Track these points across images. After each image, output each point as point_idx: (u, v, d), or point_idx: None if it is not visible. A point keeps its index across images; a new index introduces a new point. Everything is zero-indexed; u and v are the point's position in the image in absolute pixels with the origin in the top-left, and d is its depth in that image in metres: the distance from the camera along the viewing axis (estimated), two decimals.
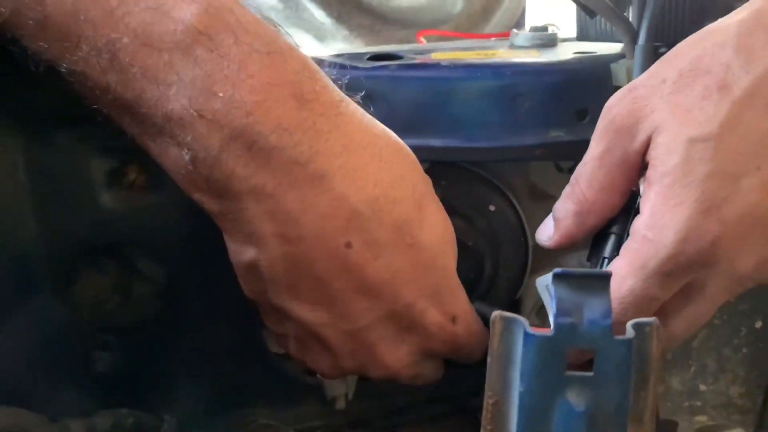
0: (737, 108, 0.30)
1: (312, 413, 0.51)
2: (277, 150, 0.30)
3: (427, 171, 0.44)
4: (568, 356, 0.23)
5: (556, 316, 0.23)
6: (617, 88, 0.40)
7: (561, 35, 0.49)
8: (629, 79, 0.39)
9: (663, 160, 0.31)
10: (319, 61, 0.41)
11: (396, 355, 0.36)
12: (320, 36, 0.72)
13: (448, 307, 0.36)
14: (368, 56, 0.44)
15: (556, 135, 0.41)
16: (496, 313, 0.25)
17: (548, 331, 0.24)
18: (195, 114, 0.30)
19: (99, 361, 0.48)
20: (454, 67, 0.40)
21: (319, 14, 0.69)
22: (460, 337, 0.37)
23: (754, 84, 0.30)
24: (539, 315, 0.50)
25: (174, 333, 0.49)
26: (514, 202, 0.46)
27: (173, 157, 0.33)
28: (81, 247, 0.46)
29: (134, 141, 0.35)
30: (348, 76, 0.40)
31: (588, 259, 0.34)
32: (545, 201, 0.49)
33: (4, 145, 0.42)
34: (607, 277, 0.23)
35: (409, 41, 0.68)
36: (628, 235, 0.32)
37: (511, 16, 0.83)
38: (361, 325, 0.34)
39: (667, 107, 0.31)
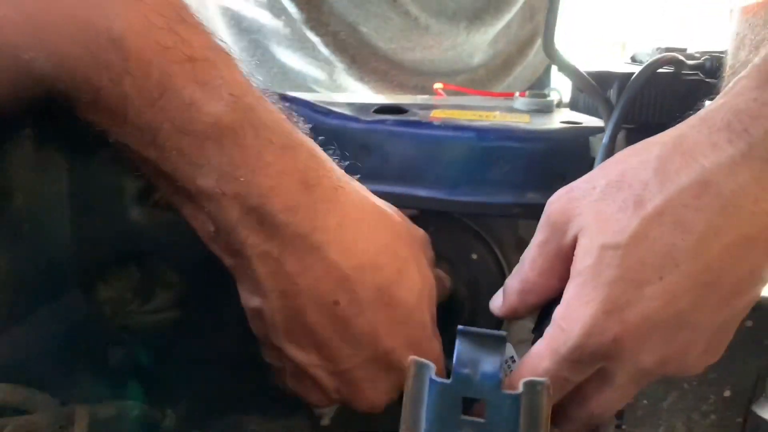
0: (647, 223, 0.33)
1: (300, 426, 0.55)
2: (283, 225, 0.37)
3: (416, 217, 0.48)
4: None
5: (454, 367, 0.27)
6: (593, 159, 0.43)
7: (561, 100, 0.52)
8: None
9: (581, 259, 0.34)
10: (327, 111, 0.46)
11: (376, 392, 0.41)
12: (332, 73, 0.76)
13: (423, 353, 0.40)
14: (375, 108, 0.49)
15: (533, 197, 0.44)
16: (412, 358, 0.28)
17: (448, 380, 0.27)
18: (219, 192, 0.36)
19: (114, 357, 0.54)
20: (445, 126, 0.44)
21: (334, 58, 0.73)
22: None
23: (664, 203, 0.33)
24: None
25: (183, 337, 0.54)
26: (498, 253, 0.49)
27: (200, 220, 0.40)
28: (109, 253, 0.52)
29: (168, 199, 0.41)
30: (350, 127, 0.45)
31: (532, 331, 0.38)
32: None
33: (53, 160, 0.48)
34: (502, 338, 0.27)
35: (424, 87, 0.72)
36: None
37: (533, 71, 0.85)
38: (345, 367, 0.40)
39: (591, 213, 0.35)
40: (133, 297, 0.55)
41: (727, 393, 0.49)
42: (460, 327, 0.27)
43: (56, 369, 0.50)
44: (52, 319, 0.49)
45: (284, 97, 0.46)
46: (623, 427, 0.50)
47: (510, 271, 0.50)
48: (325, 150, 0.40)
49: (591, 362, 0.34)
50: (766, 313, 0.46)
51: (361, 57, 0.73)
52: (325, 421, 0.54)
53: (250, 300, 0.41)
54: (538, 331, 0.36)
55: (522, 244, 0.52)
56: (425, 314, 0.41)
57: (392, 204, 0.47)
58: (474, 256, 0.48)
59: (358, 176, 0.41)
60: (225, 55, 0.36)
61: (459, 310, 0.48)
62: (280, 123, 0.37)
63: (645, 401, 0.50)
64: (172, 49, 0.34)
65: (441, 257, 0.49)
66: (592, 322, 0.33)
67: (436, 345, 0.41)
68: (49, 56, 0.32)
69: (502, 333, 0.27)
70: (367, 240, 0.39)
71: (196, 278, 0.53)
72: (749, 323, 0.47)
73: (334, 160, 0.40)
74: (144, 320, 0.55)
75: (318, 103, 0.46)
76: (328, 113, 0.46)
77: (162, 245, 0.52)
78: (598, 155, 0.39)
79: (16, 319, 0.45)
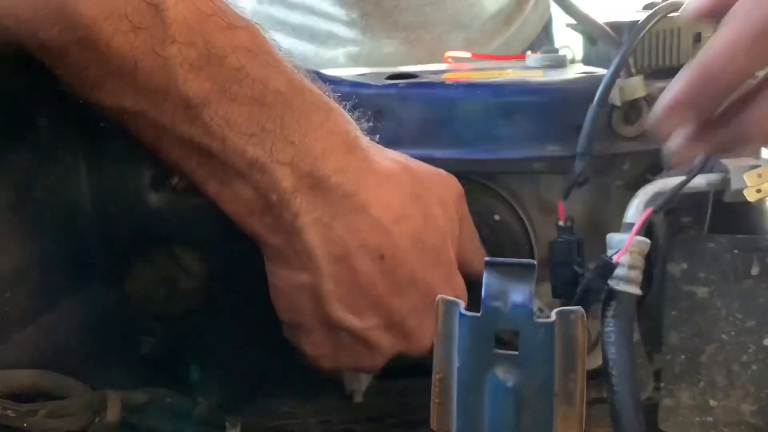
0: None
1: (332, 406, 0.55)
2: (334, 188, 0.38)
3: None
4: None
5: (483, 300, 0.26)
6: (612, 106, 0.42)
7: (574, 57, 0.51)
8: (622, 97, 0.42)
9: None
10: (338, 79, 0.46)
11: (426, 334, 0.42)
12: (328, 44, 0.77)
13: (454, 288, 0.43)
14: (387, 76, 0.48)
15: (554, 149, 0.43)
16: (439, 297, 0.28)
17: (478, 313, 0.27)
18: (272, 159, 0.36)
19: (144, 345, 0.54)
20: (456, 85, 0.44)
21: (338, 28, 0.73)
22: None
23: None
24: None
25: (211, 324, 0.54)
26: (521, 213, 0.48)
27: (244, 199, 0.39)
28: (133, 241, 0.52)
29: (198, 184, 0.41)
30: (362, 93, 0.44)
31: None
32: (554, 214, 0.51)
33: (69, 150, 0.49)
34: (532, 266, 0.26)
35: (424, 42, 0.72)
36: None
37: (532, 29, 0.83)
38: (398, 318, 0.41)
39: None
40: (159, 285, 0.55)
41: (767, 341, 0.48)
42: (487, 258, 0.26)
43: (87, 357, 0.50)
44: (81, 309, 0.50)
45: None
46: (662, 385, 0.49)
47: (534, 231, 0.50)
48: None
49: None
50: None
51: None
52: (358, 398, 0.54)
53: (296, 277, 0.40)
54: None
55: (544, 203, 0.51)
56: (450, 252, 0.42)
57: None
58: (497, 218, 0.47)
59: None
60: (255, 25, 0.36)
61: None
62: (320, 89, 0.39)
63: (682, 356, 0.49)
64: (213, 17, 0.34)
65: None
66: None
67: (461, 280, 0.43)
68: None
69: (532, 261, 0.26)
70: (399, 193, 0.40)
71: (219, 262, 0.53)
72: None
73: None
74: (171, 308, 0.56)
75: (327, 72, 0.46)
76: (340, 81, 0.45)
77: (183, 231, 0.52)
78: (597, 93, 0.39)
79: (45, 308, 0.46)
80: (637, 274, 0.42)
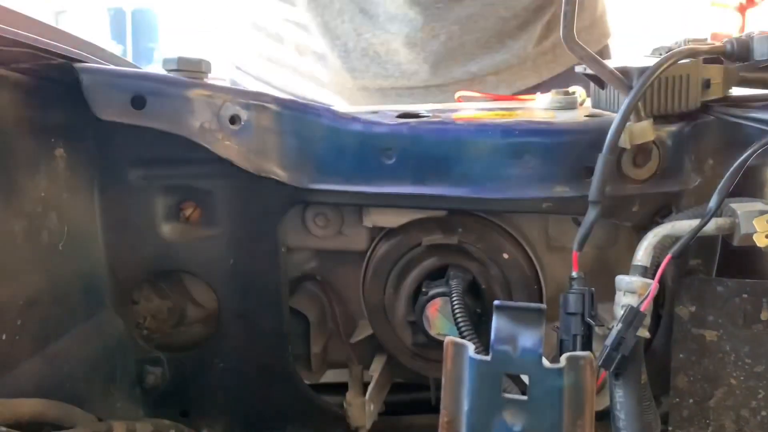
0: None
1: None
2: None
3: (444, 218, 0.48)
4: None
5: (493, 344, 0.27)
6: (622, 149, 0.43)
7: (585, 99, 0.52)
8: (631, 141, 0.42)
9: None
10: (351, 117, 0.47)
11: None
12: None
13: None
14: (398, 114, 0.49)
15: (562, 190, 0.44)
16: (449, 339, 0.28)
17: (488, 357, 0.27)
18: None
19: (150, 375, 0.54)
20: (466, 125, 0.44)
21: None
22: None
23: None
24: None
25: (217, 356, 0.54)
26: (529, 252, 0.49)
27: None
28: (142, 271, 0.53)
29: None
30: (374, 132, 0.45)
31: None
32: (561, 252, 0.51)
33: (84, 180, 0.49)
34: (542, 310, 0.26)
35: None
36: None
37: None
38: None
39: None
40: (168, 315, 0.56)
41: None
42: (496, 302, 0.27)
43: (93, 387, 0.50)
44: (88, 338, 0.50)
45: (305, 105, 0.46)
46: (669, 429, 0.49)
47: (543, 269, 0.50)
48: None
49: None
50: None
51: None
52: None
53: None
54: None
55: (553, 242, 0.52)
56: None
57: (417, 204, 0.46)
58: (505, 256, 0.48)
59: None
60: None
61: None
62: None
63: (690, 400, 0.48)
64: None
65: (472, 258, 0.49)
66: None
67: None
68: None
69: (541, 305, 0.26)
70: None
71: (227, 293, 0.53)
72: None
73: None
74: (178, 339, 0.56)
75: (341, 111, 0.47)
76: (353, 119, 0.46)
77: (194, 262, 0.53)
78: (607, 139, 0.39)
79: (54, 337, 0.46)
80: (645, 318, 0.42)
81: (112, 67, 0.43)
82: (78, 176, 0.48)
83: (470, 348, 0.27)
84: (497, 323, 0.26)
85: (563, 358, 0.26)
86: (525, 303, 0.26)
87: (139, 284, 0.54)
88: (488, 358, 0.26)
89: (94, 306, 0.51)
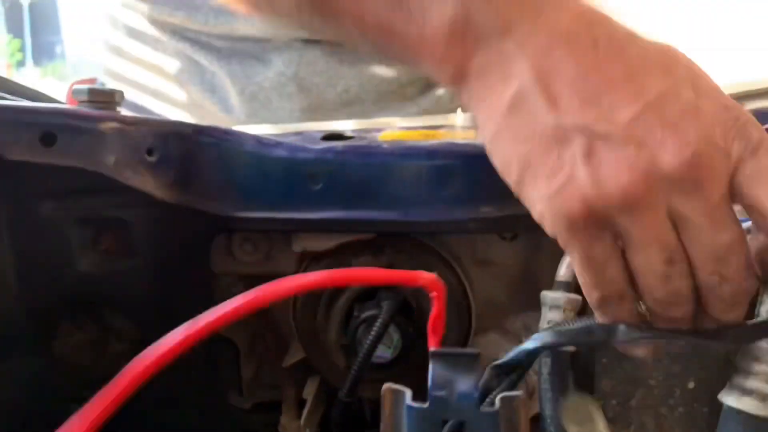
0: None
1: None
2: None
3: (373, 240, 0.48)
4: None
5: (430, 390, 0.27)
6: None
7: None
8: None
9: None
10: (275, 143, 0.46)
11: (685, 138, 0.32)
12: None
13: (716, 99, 0.34)
14: (323, 136, 0.49)
15: (487, 210, 0.44)
16: (386, 386, 0.28)
17: (425, 404, 0.27)
18: None
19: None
20: (394, 149, 0.45)
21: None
22: (747, 124, 0.33)
23: None
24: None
25: (144, 388, 0.52)
26: (457, 269, 0.49)
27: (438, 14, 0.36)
28: (60, 305, 0.50)
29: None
30: (299, 157, 0.45)
31: None
32: (489, 267, 0.53)
33: None
34: (476, 355, 0.27)
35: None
36: None
37: None
38: (638, 107, 0.33)
39: None
40: (89, 350, 0.53)
41: (691, 385, 0.50)
42: (432, 349, 0.27)
43: (13, 429, 0.48)
44: (5, 380, 0.47)
45: (226, 132, 0.45)
46: None
47: (472, 287, 0.51)
48: None
49: None
50: None
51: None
52: None
53: (504, 91, 0.35)
54: None
55: (480, 259, 0.53)
56: (694, 65, 0.35)
57: (346, 229, 0.46)
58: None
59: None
60: None
61: (422, 327, 0.48)
62: None
63: (614, 401, 0.51)
64: None
65: None
66: None
67: (727, 98, 0.34)
68: None
69: (475, 351, 0.27)
70: None
71: (151, 324, 0.51)
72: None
73: None
74: (102, 373, 0.54)
75: (264, 136, 0.46)
76: (277, 144, 0.45)
77: (114, 294, 0.51)
78: None
79: None
80: None
81: (17, 103, 0.40)
82: None
83: (407, 395, 0.27)
84: (433, 370, 0.27)
85: (497, 399, 0.27)
86: (460, 349, 0.26)
87: (58, 319, 0.51)
88: (426, 405, 0.27)
89: (11, 345, 0.48)
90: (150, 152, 0.43)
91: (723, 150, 0.33)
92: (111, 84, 0.80)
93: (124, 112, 0.45)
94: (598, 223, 0.33)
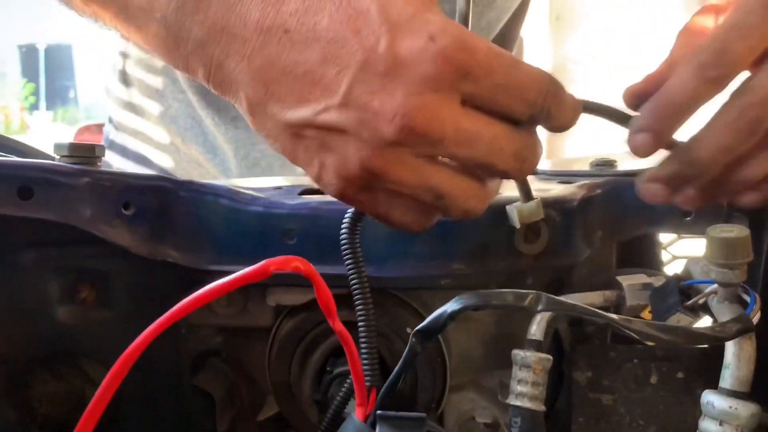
0: None
1: None
2: None
3: (348, 294, 0.48)
4: None
5: None
6: (512, 227, 0.45)
7: None
8: (521, 220, 0.44)
9: None
10: (250, 198, 0.47)
11: (392, 104, 0.33)
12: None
13: (417, 32, 0.34)
14: (300, 191, 0.49)
15: (458, 268, 0.45)
16: None
17: None
18: None
19: None
20: None
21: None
22: (453, 52, 0.33)
23: None
24: (462, 429, 0.53)
25: None
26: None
27: (156, 33, 0.39)
28: (36, 355, 0.50)
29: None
30: (275, 213, 0.45)
31: None
32: (465, 323, 0.53)
33: None
34: (422, 419, 0.27)
35: None
36: None
37: None
38: (344, 89, 0.34)
39: None
40: (65, 399, 0.53)
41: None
42: (379, 412, 0.27)
43: None
44: None
45: (203, 185, 0.46)
46: None
47: (447, 341, 0.51)
48: None
49: None
50: (695, 363, 0.48)
51: None
52: None
53: (238, 103, 0.38)
54: None
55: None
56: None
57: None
58: (408, 330, 0.48)
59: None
60: None
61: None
62: None
63: None
64: None
65: (378, 332, 0.49)
66: None
67: (436, 18, 0.34)
68: None
69: (422, 414, 0.27)
70: None
71: (126, 376, 0.51)
72: (680, 375, 0.48)
73: None
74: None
75: (240, 191, 0.46)
76: (252, 199, 0.46)
77: (91, 344, 0.51)
78: None
79: None
80: (540, 391, 0.43)
81: None
82: None
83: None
84: None
85: None
86: (407, 413, 0.26)
87: (33, 368, 0.51)
88: None
89: None
90: (126, 206, 0.43)
91: (436, 88, 0.34)
92: (114, 133, 0.82)
93: (118, 160, 0.46)
94: (363, 190, 0.37)
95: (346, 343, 0.36)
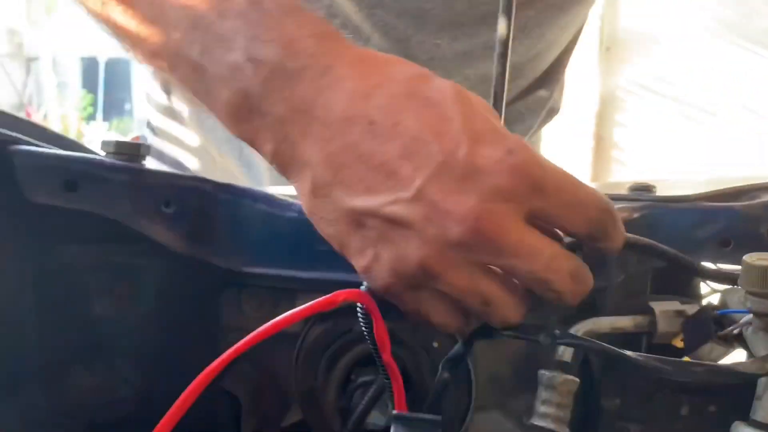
0: None
1: None
2: (305, 69, 0.37)
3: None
4: None
5: None
6: None
7: None
8: None
9: None
10: (287, 204, 0.48)
11: (465, 207, 0.34)
12: None
13: (496, 143, 0.35)
14: None
15: None
16: None
17: None
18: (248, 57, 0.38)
19: None
20: None
21: None
22: (529, 167, 0.35)
23: None
24: None
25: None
26: (459, 340, 0.49)
27: (226, 101, 0.39)
28: (72, 347, 0.52)
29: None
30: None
31: None
32: (495, 342, 0.52)
33: (19, 255, 0.49)
34: (437, 421, 0.27)
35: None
36: None
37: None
38: (418, 184, 0.35)
39: None
40: (97, 392, 0.55)
41: None
42: (394, 412, 0.27)
43: None
44: (13, 416, 0.49)
45: (242, 190, 0.47)
46: None
47: (475, 361, 0.50)
48: None
49: None
50: (729, 397, 0.46)
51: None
52: None
53: (300, 183, 0.38)
54: None
55: None
56: (472, 106, 0.36)
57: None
58: (435, 344, 0.48)
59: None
60: None
61: (421, 398, 0.48)
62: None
63: None
64: None
65: (403, 345, 0.49)
66: None
67: (512, 136, 0.36)
68: None
69: (437, 417, 0.27)
70: (382, 63, 0.38)
71: (159, 371, 0.53)
72: (712, 408, 0.47)
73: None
74: (107, 415, 0.55)
75: (276, 196, 0.47)
76: (290, 205, 0.47)
77: (125, 340, 0.52)
78: None
79: None
80: (566, 413, 0.43)
81: (44, 149, 0.43)
82: (12, 248, 0.48)
83: None
84: None
85: None
86: (421, 414, 0.26)
87: (69, 361, 0.53)
88: None
89: (20, 381, 0.50)
90: (167, 204, 0.45)
91: (508, 198, 0.35)
92: (152, 137, 0.84)
93: (154, 165, 0.47)
94: (411, 288, 0.37)
95: (393, 377, 0.37)
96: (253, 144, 0.39)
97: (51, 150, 0.44)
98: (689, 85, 2.26)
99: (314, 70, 0.37)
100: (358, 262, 0.38)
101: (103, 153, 0.46)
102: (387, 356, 0.37)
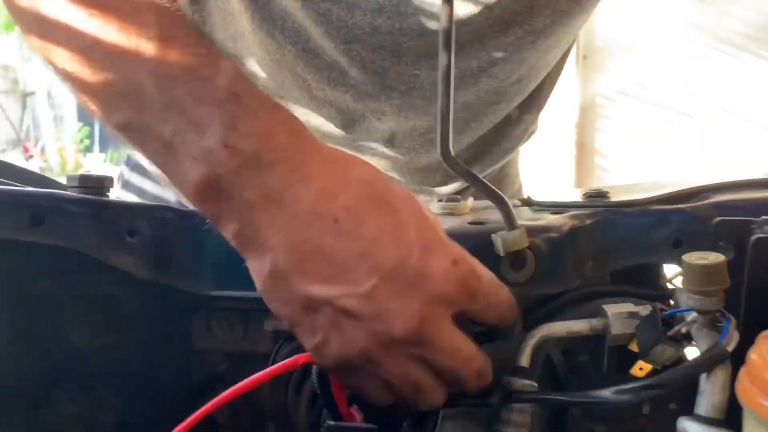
0: None
1: None
2: (277, 163, 0.40)
3: None
4: None
5: None
6: (497, 255, 0.46)
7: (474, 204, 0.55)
8: (505, 249, 0.45)
9: None
10: None
11: (410, 310, 0.39)
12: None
13: (443, 254, 0.41)
14: None
15: None
16: None
17: None
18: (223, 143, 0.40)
19: None
20: None
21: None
22: (469, 278, 0.41)
23: None
24: None
25: None
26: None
27: (195, 181, 0.40)
28: (51, 376, 0.53)
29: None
30: None
31: None
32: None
33: None
34: (372, 430, 0.28)
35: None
36: None
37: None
38: (371, 284, 0.39)
39: None
40: (76, 420, 0.56)
41: None
42: (328, 422, 0.28)
43: None
44: None
45: (203, 215, 0.48)
46: None
47: None
48: None
49: None
50: (687, 393, 0.47)
51: None
52: None
53: (259, 264, 0.41)
54: None
55: None
56: (426, 219, 0.42)
57: None
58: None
59: None
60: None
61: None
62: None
63: None
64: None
65: None
66: None
67: (455, 246, 0.42)
68: None
69: (372, 426, 0.28)
70: (347, 168, 0.42)
71: (138, 398, 0.54)
72: (672, 405, 0.48)
73: None
74: None
75: None
76: None
77: (102, 368, 0.53)
78: None
79: None
80: (526, 419, 0.44)
81: (9, 186, 0.45)
82: None
83: None
84: None
85: None
86: (356, 424, 0.27)
87: (50, 390, 0.54)
88: None
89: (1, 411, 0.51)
90: (131, 234, 0.46)
91: (447, 303, 0.41)
92: (128, 173, 0.85)
93: (121, 196, 0.49)
94: (354, 369, 0.41)
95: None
96: (216, 221, 0.42)
97: (16, 186, 0.45)
98: (667, 90, 2.29)
99: (287, 164, 0.40)
100: (308, 342, 0.42)
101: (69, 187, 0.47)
102: (344, 408, 0.40)
